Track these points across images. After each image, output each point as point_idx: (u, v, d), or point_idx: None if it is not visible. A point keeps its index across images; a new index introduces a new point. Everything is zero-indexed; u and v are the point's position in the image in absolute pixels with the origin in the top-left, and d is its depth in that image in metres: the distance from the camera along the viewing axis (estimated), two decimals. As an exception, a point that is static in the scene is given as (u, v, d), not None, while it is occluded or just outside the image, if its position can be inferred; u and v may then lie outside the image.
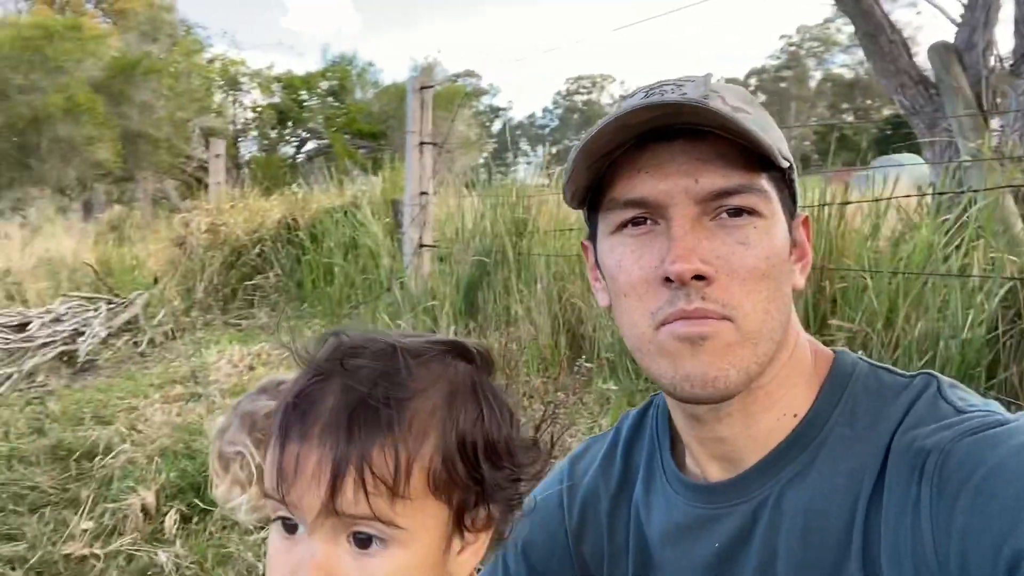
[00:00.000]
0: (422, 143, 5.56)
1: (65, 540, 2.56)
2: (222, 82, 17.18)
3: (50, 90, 13.74)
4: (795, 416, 0.84)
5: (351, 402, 0.61)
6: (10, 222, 12.58)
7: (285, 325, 5.78)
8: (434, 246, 5.52)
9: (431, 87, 5.62)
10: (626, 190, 0.80)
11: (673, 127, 0.77)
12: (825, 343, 0.93)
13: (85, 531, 2.61)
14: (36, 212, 13.29)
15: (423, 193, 5.57)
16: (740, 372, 0.78)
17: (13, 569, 2.42)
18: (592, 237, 0.91)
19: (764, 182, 0.79)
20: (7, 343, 5.35)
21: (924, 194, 3.20)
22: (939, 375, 0.85)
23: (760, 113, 0.83)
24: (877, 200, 3.03)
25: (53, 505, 2.91)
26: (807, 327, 3.15)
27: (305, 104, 17.43)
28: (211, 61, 17.51)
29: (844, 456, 0.79)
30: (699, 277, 0.75)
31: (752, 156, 0.77)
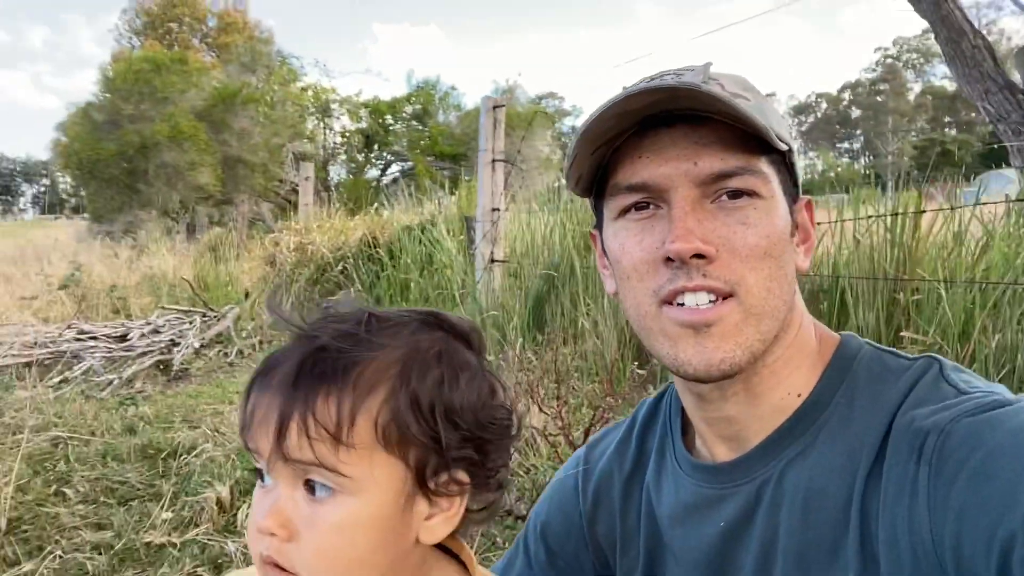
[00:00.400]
0: (494, 160, 5.68)
1: (147, 529, 2.74)
2: (314, 109, 17.99)
3: (157, 119, 14.76)
4: (799, 396, 0.84)
5: (305, 356, 0.65)
6: (120, 244, 13.48)
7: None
8: (505, 261, 5.61)
9: (502, 106, 5.74)
10: (628, 175, 0.82)
11: (673, 113, 0.79)
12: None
13: (165, 521, 2.79)
14: (145, 234, 14.19)
15: (495, 209, 5.67)
16: (745, 351, 0.79)
17: (100, 554, 2.61)
18: (599, 225, 0.93)
19: (763, 165, 0.80)
20: (110, 352, 5.76)
21: (1000, 202, 3.03)
22: (942, 358, 0.84)
23: (760, 99, 0.85)
24: (952, 208, 2.90)
25: (139, 498, 3.12)
26: (878, 339, 3.04)
27: (390, 128, 18.04)
28: (304, 89, 18.39)
29: (844, 436, 0.79)
30: (699, 256, 0.77)
31: (751, 140, 0.79)
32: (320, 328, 0.67)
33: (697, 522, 0.89)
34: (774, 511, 0.82)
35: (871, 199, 3.92)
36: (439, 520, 0.70)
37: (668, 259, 0.78)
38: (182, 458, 3.55)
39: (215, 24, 28.87)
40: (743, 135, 0.79)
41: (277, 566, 0.64)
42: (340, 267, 7.88)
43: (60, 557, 2.56)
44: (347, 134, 18.10)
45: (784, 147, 0.81)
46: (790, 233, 0.84)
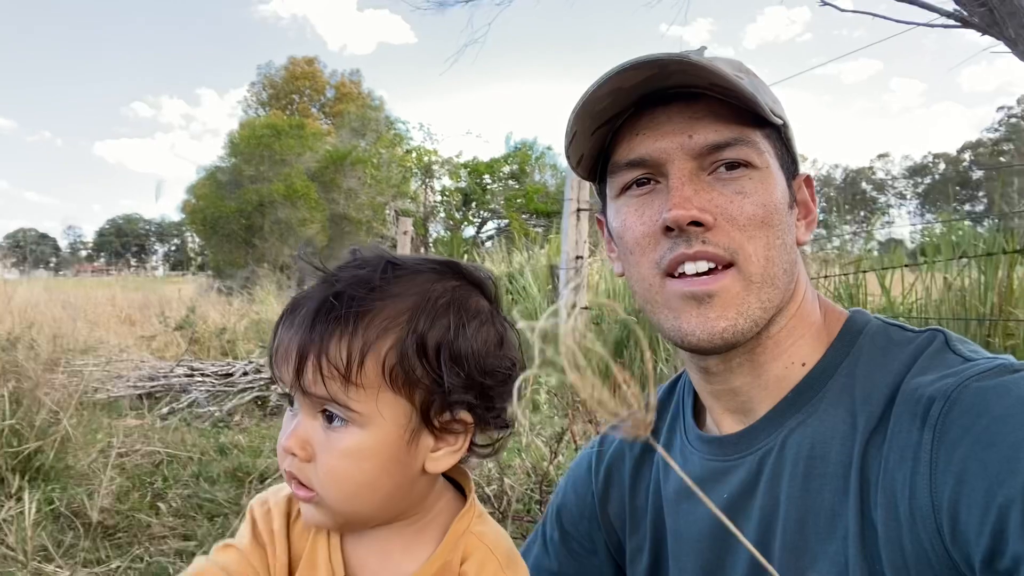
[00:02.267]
0: (579, 210, 5.76)
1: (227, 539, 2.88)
2: (417, 170, 18.86)
3: (274, 179, 15.87)
4: (803, 365, 0.85)
5: (323, 300, 0.71)
6: (238, 297, 14.35)
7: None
8: (587, 308, 5.63)
9: (589, 156, 5.85)
10: (626, 152, 0.86)
11: (668, 91, 0.83)
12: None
13: (244, 534, 2.91)
14: (260, 288, 15.08)
15: (579, 257, 5.72)
16: (747, 319, 0.81)
17: (182, 560, 2.76)
18: (604, 209, 0.97)
19: (757, 137, 0.83)
20: (214, 387, 6.13)
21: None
22: (948, 331, 0.83)
23: (754, 79, 0.88)
24: (1050, 245, 2.73)
25: (224, 514, 3.29)
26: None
27: (487, 187, 18.61)
28: (409, 152, 19.34)
29: (847, 403, 0.79)
30: (697, 224, 0.79)
31: (745, 114, 0.82)
32: (339, 274, 0.74)
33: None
34: (776, 480, 0.82)
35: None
36: (443, 453, 0.76)
37: (668, 228, 0.81)
38: (266, 481, 3.72)
39: (332, 95, 30.95)
40: (737, 109, 0.82)
41: (298, 481, 0.72)
42: (431, 316, 8.11)
43: (146, 560, 2.72)
44: (447, 193, 18.82)
45: (778, 121, 0.84)
46: (788, 205, 0.85)
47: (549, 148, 20.40)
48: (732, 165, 0.82)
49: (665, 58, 0.79)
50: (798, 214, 0.89)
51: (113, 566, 2.58)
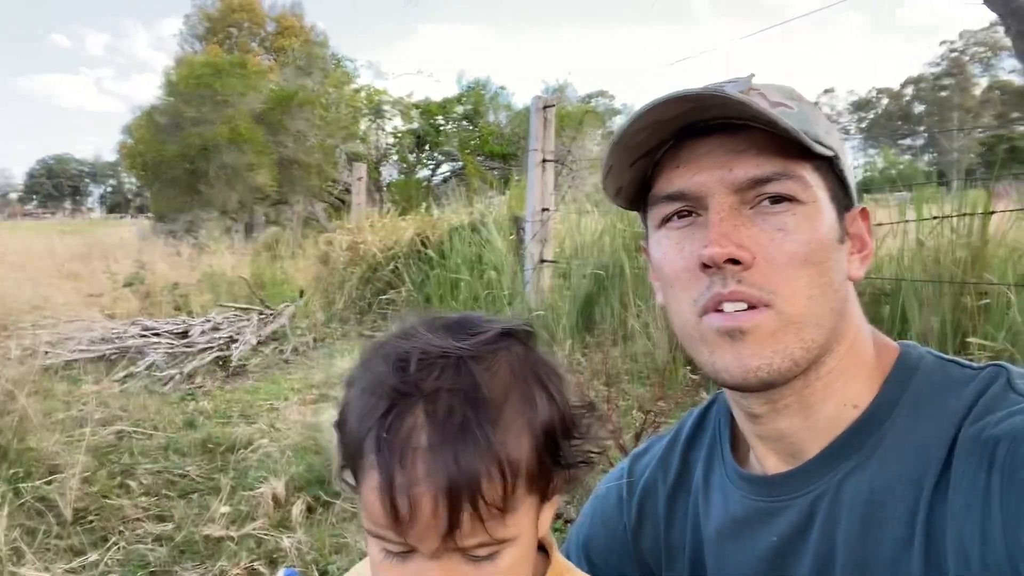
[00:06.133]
0: (544, 160, 5.67)
1: (206, 523, 2.83)
2: (367, 111, 18.27)
3: (218, 122, 15.20)
4: (855, 407, 0.82)
5: (448, 432, 0.61)
6: (183, 242, 13.93)
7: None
8: (554, 261, 5.60)
9: (552, 106, 5.73)
10: (666, 185, 0.83)
11: (709, 123, 0.79)
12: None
13: (223, 515, 2.86)
14: (205, 233, 14.65)
15: (544, 209, 5.67)
16: (785, 359, 0.77)
17: (161, 546, 2.70)
18: (646, 236, 0.93)
19: (804, 170, 0.79)
20: (172, 348, 5.95)
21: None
22: (1010, 366, 0.81)
23: (806, 107, 0.83)
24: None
25: (199, 491, 3.22)
26: (943, 345, 2.93)
27: (441, 128, 18.19)
28: (357, 91, 18.69)
29: (906, 448, 0.77)
30: (734, 262, 0.76)
31: (790, 145, 0.77)
32: (433, 391, 0.63)
33: (748, 537, 0.87)
34: (831, 525, 0.79)
35: (935, 198, 3.79)
36: (547, 512, 0.72)
37: (705, 265, 0.77)
38: (239, 452, 3.66)
39: (273, 28, 29.56)
40: (782, 141, 0.77)
41: None
42: (391, 266, 7.98)
43: (123, 548, 2.65)
44: (399, 135, 18.34)
45: (828, 152, 0.79)
46: (837, 240, 0.81)
47: (503, 88, 20.02)
48: (776, 199, 0.78)
49: (702, 93, 0.75)
50: (851, 248, 0.86)
51: (92, 559, 2.51)
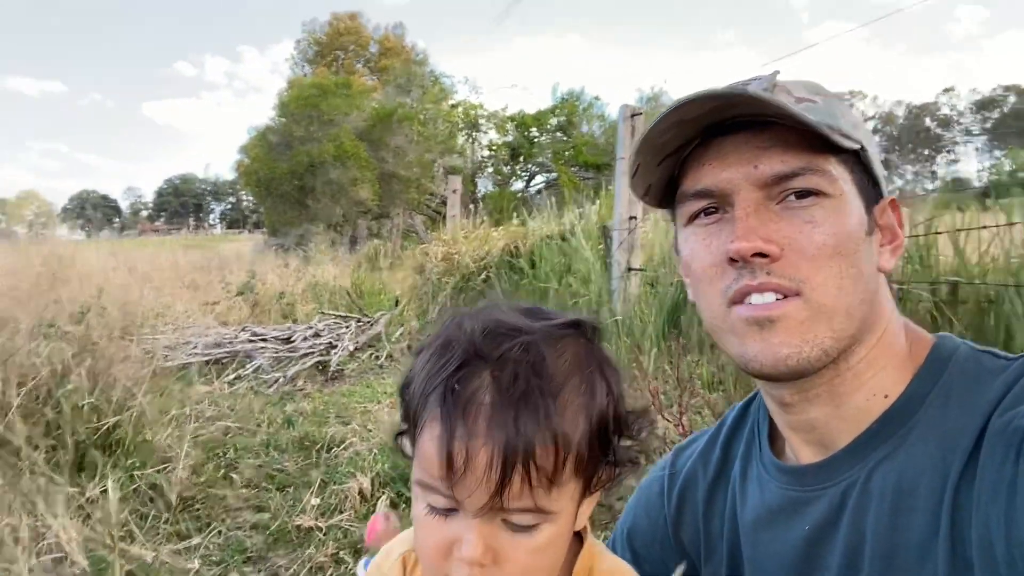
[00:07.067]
0: (632, 169, 5.65)
1: (298, 513, 3.00)
2: (463, 125, 18.73)
3: (323, 140, 15.99)
4: (886, 397, 0.82)
5: (511, 397, 0.64)
6: (293, 255, 14.68)
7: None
8: (641, 269, 5.56)
9: (640, 114, 5.70)
10: (693, 182, 0.85)
11: (735, 121, 0.81)
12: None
13: (314, 507, 3.03)
14: (313, 246, 15.38)
15: (632, 218, 5.64)
16: (814, 348, 0.78)
17: (258, 533, 2.89)
18: (676, 234, 0.95)
19: (830, 164, 0.80)
20: (277, 352, 6.31)
21: None
22: None
23: (831, 101, 0.84)
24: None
25: (294, 485, 3.41)
26: None
27: (535, 140, 18.39)
28: (454, 107, 19.20)
29: (935, 437, 0.77)
30: (762, 256, 0.78)
31: (816, 140, 0.78)
32: (502, 360, 0.66)
33: (782, 526, 0.88)
34: (861, 514, 0.80)
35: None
36: (587, 505, 0.76)
37: (732, 260, 0.79)
38: (332, 451, 3.85)
39: (376, 49, 30.79)
40: (807, 136, 0.78)
41: None
42: (483, 276, 8.13)
43: (224, 534, 2.86)
44: (494, 147, 18.68)
45: (853, 145, 0.80)
46: (866, 232, 0.82)
47: (597, 99, 19.95)
48: (803, 193, 0.79)
49: (726, 92, 0.77)
50: (881, 239, 0.86)
51: (194, 542, 2.72)
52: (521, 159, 18.37)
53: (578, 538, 0.80)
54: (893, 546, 0.76)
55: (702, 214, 0.85)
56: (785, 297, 0.78)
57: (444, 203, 14.68)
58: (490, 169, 18.74)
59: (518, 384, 0.64)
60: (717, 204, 0.83)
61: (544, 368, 0.66)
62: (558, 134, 18.29)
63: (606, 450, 0.72)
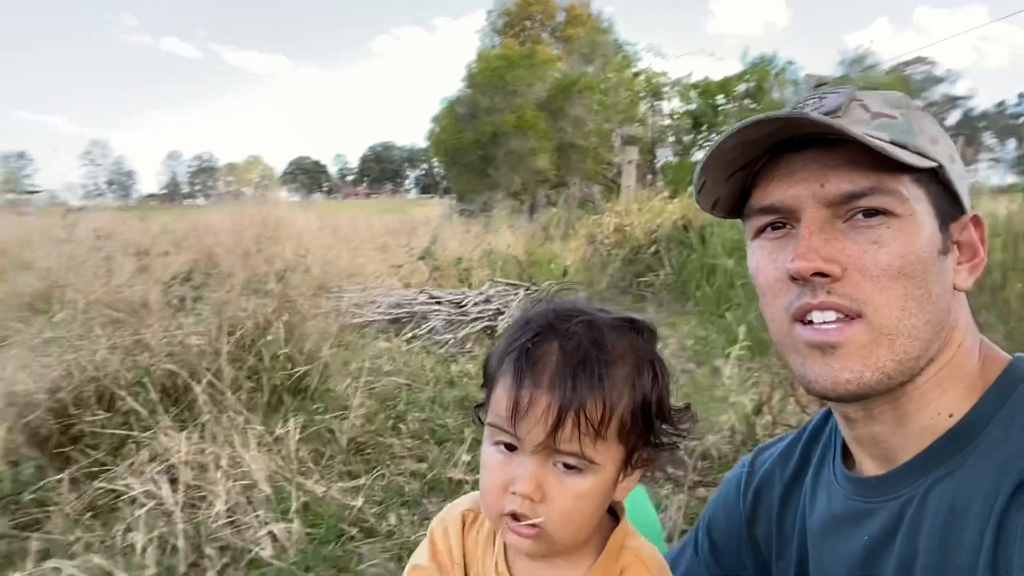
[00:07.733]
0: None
1: (451, 467, 3.29)
2: (645, 93, 18.36)
3: (506, 110, 16.44)
4: (951, 416, 0.82)
5: (572, 361, 0.78)
6: (476, 221, 15.29)
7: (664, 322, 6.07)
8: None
9: (825, 83, 5.36)
10: (761, 197, 0.86)
11: (805, 137, 0.81)
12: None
13: (465, 463, 3.30)
14: (497, 214, 15.93)
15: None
16: (875, 372, 0.79)
17: (415, 480, 3.21)
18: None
19: (901, 184, 0.79)
20: (450, 315, 6.74)
21: None
22: None
23: (912, 115, 0.83)
24: None
25: (451, 440, 3.72)
26: None
27: (720, 108, 17.60)
28: (636, 75, 18.84)
29: (994, 459, 0.76)
30: (822, 275, 0.79)
31: (887, 159, 0.77)
32: (570, 332, 0.80)
33: (844, 534, 0.91)
34: (915, 530, 0.81)
35: None
36: (628, 483, 0.87)
37: (794, 278, 0.81)
38: (488, 413, 4.11)
39: (563, 18, 30.81)
40: (878, 154, 0.77)
41: (516, 517, 0.83)
42: (653, 249, 8.07)
43: (387, 477, 3.21)
44: (675, 116, 18.15)
45: (929, 164, 0.79)
46: (939, 252, 0.80)
47: (791, 63, 18.57)
48: (870, 212, 0.78)
49: (786, 116, 0.77)
50: (959, 258, 0.84)
51: (361, 483, 3.08)
52: (704, 128, 17.68)
53: (614, 518, 0.90)
54: (942, 565, 0.76)
55: (768, 228, 0.86)
56: (847, 318, 0.78)
57: (619, 172, 14.58)
58: (671, 139, 18.25)
59: (579, 352, 0.78)
60: (784, 219, 0.84)
61: (603, 344, 0.79)
62: (746, 101, 17.36)
63: (648, 428, 0.83)
